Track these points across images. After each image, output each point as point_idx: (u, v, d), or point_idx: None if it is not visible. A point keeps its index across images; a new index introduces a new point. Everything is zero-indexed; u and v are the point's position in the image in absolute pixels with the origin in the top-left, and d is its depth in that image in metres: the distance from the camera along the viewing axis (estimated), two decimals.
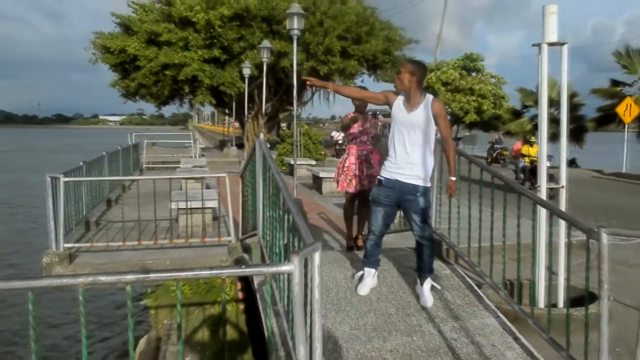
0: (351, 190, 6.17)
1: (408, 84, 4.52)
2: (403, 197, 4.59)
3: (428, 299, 4.60)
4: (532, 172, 13.81)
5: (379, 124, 6.59)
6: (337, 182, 6.30)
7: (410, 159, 4.55)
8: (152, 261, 6.81)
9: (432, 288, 4.75)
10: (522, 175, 14.72)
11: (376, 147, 6.28)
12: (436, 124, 4.52)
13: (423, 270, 4.71)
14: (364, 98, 5.19)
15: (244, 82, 24.05)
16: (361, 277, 4.91)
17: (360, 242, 6.33)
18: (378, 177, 4.82)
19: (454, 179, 4.60)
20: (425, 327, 4.23)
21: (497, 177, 4.90)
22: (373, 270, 4.88)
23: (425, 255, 4.68)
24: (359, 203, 6.41)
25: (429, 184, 4.61)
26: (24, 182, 31.67)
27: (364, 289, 4.78)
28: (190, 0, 24.71)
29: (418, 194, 4.54)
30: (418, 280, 4.76)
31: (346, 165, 6.17)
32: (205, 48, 24.76)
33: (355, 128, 6.15)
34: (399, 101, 4.63)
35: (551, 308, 4.13)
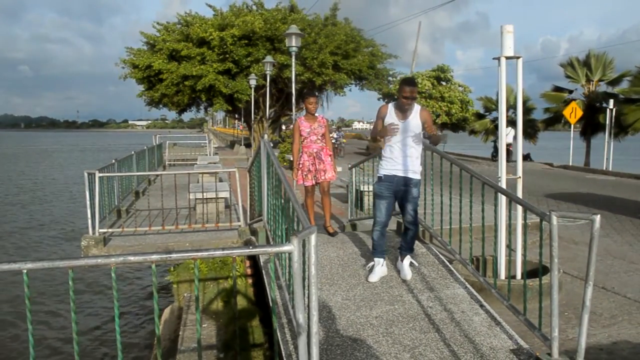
0: (307, 183, 5.91)
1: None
2: (399, 188, 4.57)
3: (407, 273, 4.59)
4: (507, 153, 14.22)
5: (327, 123, 6.07)
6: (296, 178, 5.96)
7: (405, 157, 4.53)
8: (173, 243, 6.77)
9: (411, 264, 4.73)
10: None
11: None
12: (424, 128, 4.52)
13: (404, 249, 4.68)
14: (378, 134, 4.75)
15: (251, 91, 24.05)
16: (372, 268, 4.67)
17: (331, 230, 5.96)
18: (378, 175, 4.70)
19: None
20: (406, 297, 4.21)
21: (465, 170, 4.87)
22: (382, 259, 4.66)
23: (409, 237, 4.65)
24: (321, 194, 6.00)
25: (419, 177, 4.58)
26: (67, 176, 31.54)
27: (373, 277, 4.55)
28: (204, 24, 24.55)
29: (412, 185, 4.53)
30: (399, 257, 4.74)
31: (301, 162, 5.88)
32: (219, 62, 24.61)
33: (304, 130, 5.84)
34: (390, 111, 4.58)
35: (511, 279, 4.12)
